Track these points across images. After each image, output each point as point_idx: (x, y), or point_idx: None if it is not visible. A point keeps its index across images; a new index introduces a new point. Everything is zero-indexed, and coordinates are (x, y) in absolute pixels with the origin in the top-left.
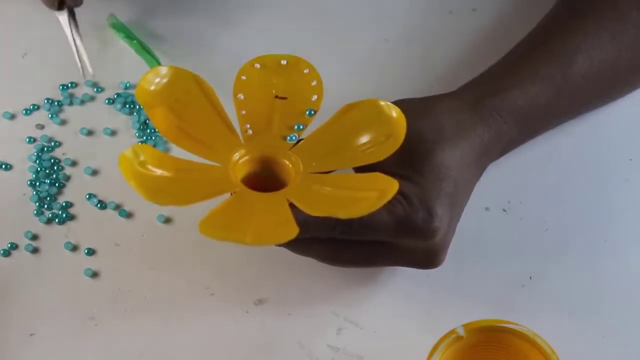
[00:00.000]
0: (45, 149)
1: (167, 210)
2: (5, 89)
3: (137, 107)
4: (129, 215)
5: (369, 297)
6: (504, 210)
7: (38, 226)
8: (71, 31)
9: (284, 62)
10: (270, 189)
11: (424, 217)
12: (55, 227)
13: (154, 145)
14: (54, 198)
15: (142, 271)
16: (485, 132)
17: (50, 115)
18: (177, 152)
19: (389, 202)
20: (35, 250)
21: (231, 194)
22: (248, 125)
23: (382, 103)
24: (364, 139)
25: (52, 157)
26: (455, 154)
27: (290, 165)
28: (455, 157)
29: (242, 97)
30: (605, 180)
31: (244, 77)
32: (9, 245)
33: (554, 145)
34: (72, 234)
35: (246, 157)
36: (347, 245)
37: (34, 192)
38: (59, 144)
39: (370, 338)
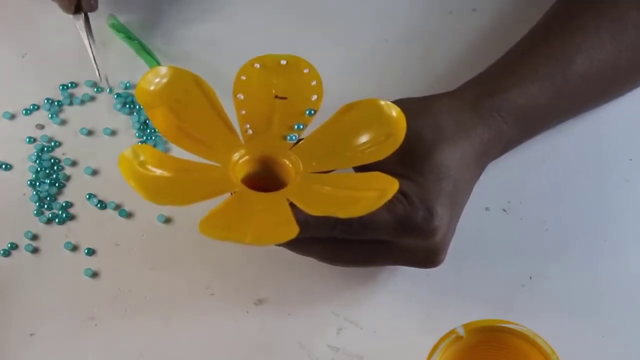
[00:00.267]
0: (45, 149)
1: (167, 210)
2: (5, 89)
3: (137, 107)
4: (129, 215)
5: (369, 297)
6: (504, 210)
7: (38, 226)
8: (87, 35)
9: (283, 62)
10: (270, 188)
11: (424, 216)
12: (55, 227)
13: (154, 145)
14: (54, 198)
15: (142, 271)
16: (485, 131)
17: (50, 115)
18: (177, 152)
19: (389, 201)
20: (35, 250)
21: (231, 193)
22: (248, 125)
23: (382, 102)
24: (364, 138)
25: (52, 157)
26: (455, 153)
27: (290, 165)
28: (455, 156)
29: (242, 97)
30: (605, 180)
31: (243, 77)
32: (9, 245)
33: (554, 145)
34: (72, 234)
35: (246, 157)
36: (347, 244)
37: (34, 192)
38: (59, 144)
39: (370, 338)
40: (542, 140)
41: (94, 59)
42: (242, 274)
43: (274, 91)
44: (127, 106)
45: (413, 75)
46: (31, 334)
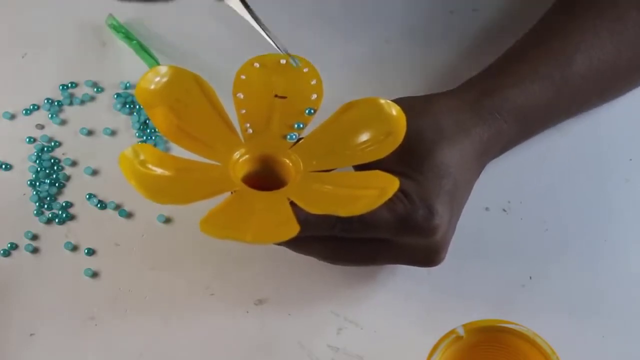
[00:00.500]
0: (45, 149)
1: (167, 210)
2: (5, 89)
3: (137, 107)
4: (129, 215)
5: (369, 297)
6: (504, 210)
7: (38, 226)
8: (251, 15)
9: (283, 61)
10: (270, 187)
11: (425, 214)
12: (55, 227)
13: (154, 145)
14: (54, 198)
15: (142, 271)
16: (485, 130)
17: (50, 115)
18: (177, 151)
19: (390, 199)
20: (35, 250)
21: (231, 193)
22: (248, 125)
23: (382, 101)
24: (364, 137)
25: (52, 157)
26: (455, 152)
27: (291, 164)
28: (455, 155)
29: (241, 96)
30: (605, 180)
31: (243, 77)
32: (9, 245)
33: (554, 145)
34: (72, 234)
35: (246, 156)
36: (348, 243)
37: (34, 192)
38: (59, 144)
39: (370, 338)
40: (542, 140)
41: (267, 34)
42: (242, 274)
43: (273, 90)
44: (127, 106)
45: (413, 76)
46: (31, 334)
